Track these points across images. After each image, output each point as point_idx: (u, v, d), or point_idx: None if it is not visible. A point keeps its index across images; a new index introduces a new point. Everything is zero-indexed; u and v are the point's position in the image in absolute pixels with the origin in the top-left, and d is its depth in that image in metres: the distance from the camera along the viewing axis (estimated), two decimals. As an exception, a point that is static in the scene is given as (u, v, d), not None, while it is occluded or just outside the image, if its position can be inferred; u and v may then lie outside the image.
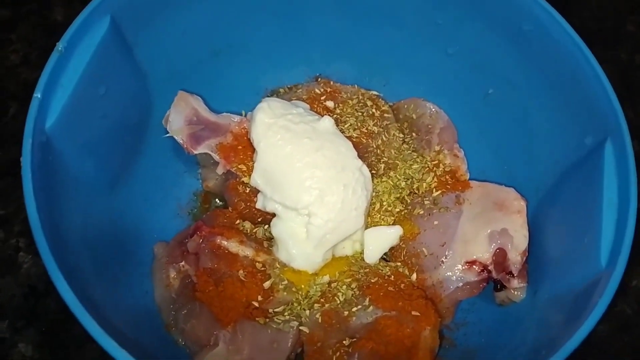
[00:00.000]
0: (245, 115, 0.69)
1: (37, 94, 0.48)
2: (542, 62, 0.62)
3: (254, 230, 0.65)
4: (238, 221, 0.65)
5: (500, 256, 0.61)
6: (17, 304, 0.67)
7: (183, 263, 0.61)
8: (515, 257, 0.61)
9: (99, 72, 0.54)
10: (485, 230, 0.63)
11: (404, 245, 0.65)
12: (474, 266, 0.62)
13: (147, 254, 0.64)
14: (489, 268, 0.61)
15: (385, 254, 0.66)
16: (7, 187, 0.73)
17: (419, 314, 0.58)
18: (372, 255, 0.65)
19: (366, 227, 0.66)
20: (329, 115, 0.69)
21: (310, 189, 0.61)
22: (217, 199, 0.72)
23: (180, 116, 0.64)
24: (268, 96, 0.74)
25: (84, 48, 0.52)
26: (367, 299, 0.58)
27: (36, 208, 0.44)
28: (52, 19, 0.85)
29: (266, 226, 0.65)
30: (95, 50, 0.53)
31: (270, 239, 0.65)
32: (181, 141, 0.64)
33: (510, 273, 0.61)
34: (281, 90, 0.76)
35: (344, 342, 0.58)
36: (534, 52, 0.62)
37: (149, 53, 0.62)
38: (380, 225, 0.67)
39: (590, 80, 0.57)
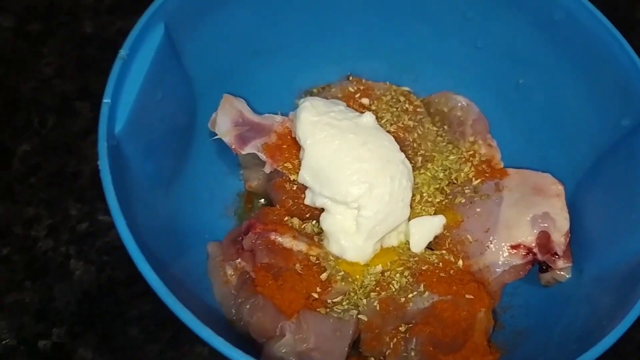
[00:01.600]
0: (285, 115, 0.71)
1: (107, 99, 0.50)
2: (574, 49, 0.64)
3: (303, 226, 0.67)
4: (286, 218, 0.67)
5: (544, 238, 0.64)
6: (72, 310, 0.68)
7: (239, 260, 0.63)
8: (559, 239, 0.64)
9: (157, 77, 0.56)
10: (527, 214, 0.65)
11: (447, 234, 0.67)
12: (519, 249, 0.64)
13: (201, 253, 0.65)
14: (534, 250, 0.64)
15: (429, 243, 0.68)
16: (53, 197, 0.74)
17: (472, 297, 0.60)
18: (418, 244, 0.67)
19: (409, 218, 0.68)
20: (365, 111, 0.71)
21: (359, 182, 0.63)
22: (259, 199, 0.74)
23: (227, 118, 0.66)
24: (302, 96, 0.77)
25: (144, 55, 0.54)
26: (422, 285, 0.61)
27: (120, 210, 0.46)
28: (82, 32, 0.86)
29: (314, 221, 0.67)
30: (154, 56, 0.55)
31: (319, 233, 0.67)
32: (229, 142, 0.66)
33: (555, 254, 0.63)
34: (314, 90, 0.78)
35: (400, 328, 0.61)
36: (565, 40, 0.65)
37: (194, 58, 0.64)
38: (422, 215, 0.69)
39: (624, 64, 0.59)
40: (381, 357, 0.62)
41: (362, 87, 0.76)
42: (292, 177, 0.66)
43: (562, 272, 0.63)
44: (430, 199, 0.70)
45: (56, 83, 0.82)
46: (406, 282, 0.61)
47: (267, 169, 0.67)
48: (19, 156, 0.77)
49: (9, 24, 0.86)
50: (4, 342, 0.66)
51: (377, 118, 0.71)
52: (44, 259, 0.71)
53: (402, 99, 0.76)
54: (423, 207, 0.70)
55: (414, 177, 0.69)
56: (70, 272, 0.70)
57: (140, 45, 0.54)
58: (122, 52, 0.52)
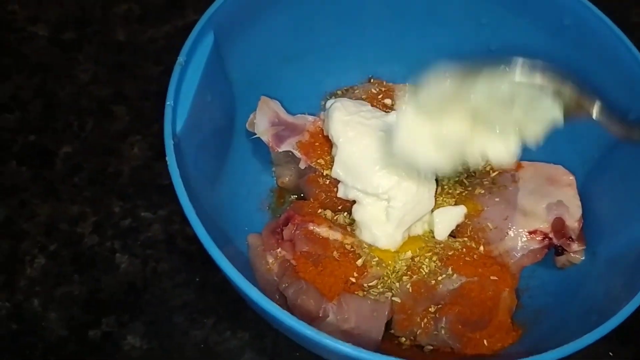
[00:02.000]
0: (312, 115, 0.76)
1: (170, 102, 0.55)
2: (583, 51, 0.70)
3: (335, 218, 0.72)
4: (320, 210, 0.72)
5: (559, 224, 0.70)
6: (119, 300, 0.72)
7: (279, 250, 0.67)
8: (572, 224, 0.69)
9: (208, 82, 0.61)
10: (543, 203, 0.71)
11: (469, 222, 0.73)
12: (536, 235, 0.70)
13: (242, 244, 0.70)
14: (550, 235, 0.69)
15: (452, 231, 0.74)
16: (96, 195, 0.78)
17: (497, 278, 0.65)
18: (442, 232, 0.72)
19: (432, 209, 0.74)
20: (388, 111, 0.77)
21: (389, 175, 0.68)
22: (290, 195, 0.79)
23: (264, 119, 0.71)
24: (327, 98, 0.82)
25: (197, 61, 0.59)
26: (450, 269, 0.66)
27: (189, 201, 0.51)
28: (115, 39, 0.91)
29: (345, 213, 0.73)
30: (205, 62, 0.60)
31: (350, 224, 0.72)
32: (267, 141, 0.71)
33: (570, 238, 0.69)
34: (339, 92, 0.83)
35: (430, 309, 0.66)
36: (574, 42, 0.71)
37: (235, 64, 0.69)
38: (444, 206, 0.74)
39: (630, 64, 0.65)
40: (412, 337, 0.67)
41: (383, 89, 0.81)
42: (325, 172, 0.72)
43: (576, 255, 0.69)
44: (450, 191, 0.76)
45: (92, 88, 0.87)
46: (435, 266, 0.67)
47: (302, 165, 0.72)
48: (61, 157, 0.81)
49: (44, 33, 0.90)
50: (56, 332, 0.70)
51: (399, 117, 0.77)
52: (90, 254, 0.75)
53: (421, 99, 0.81)
54: (444, 199, 0.75)
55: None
56: (115, 265, 0.74)
57: (195, 52, 0.59)
58: (181, 59, 0.57)
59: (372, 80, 0.83)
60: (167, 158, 0.53)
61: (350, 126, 0.70)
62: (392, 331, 0.67)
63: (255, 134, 0.71)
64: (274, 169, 0.78)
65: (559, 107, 0.60)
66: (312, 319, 0.62)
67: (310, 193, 0.73)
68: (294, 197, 0.78)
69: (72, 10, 0.92)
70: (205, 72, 0.60)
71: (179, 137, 0.56)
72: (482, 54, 0.79)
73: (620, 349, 0.72)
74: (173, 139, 0.54)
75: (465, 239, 0.72)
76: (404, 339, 0.67)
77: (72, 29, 0.91)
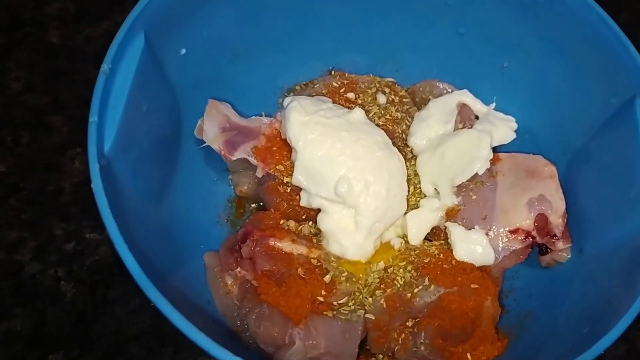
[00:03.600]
0: (268, 116, 0.70)
1: (94, 118, 0.48)
2: (558, 30, 0.64)
3: (300, 228, 0.66)
4: (282, 221, 0.65)
5: (542, 221, 0.64)
6: (68, 333, 0.66)
7: (239, 269, 0.61)
8: (556, 220, 0.64)
9: (141, 89, 0.54)
10: (523, 198, 0.65)
11: (445, 224, 0.67)
12: (518, 234, 0.64)
13: (198, 264, 0.64)
14: (533, 234, 0.64)
15: (427, 234, 0.68)
16: (35, 217, 0.71)
17: (478, 286, 0.60)
18: (416, 237, 0.66)
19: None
20: (351, 106, 0.70)
21: (355, 180, 0.62)
22: (250, 204, 0.72)
23: (214, 124, 0.64)
24: (285, 95, 0.75)
25: (126, 67, 0.52)
26: (426, 279, 0.60)
27: (119, 232, 0.44)
28: (48, 42, 0.83)
29: (310, 222, 0.66)
30: (136, 68, 0.52)
31: (316, 234, 0.66)
32: (218, 149, 0.64)
33: (554, 236, 0.63)
34: (297, 87, 0.76)
35: (407, 323, 0.60)
36: (548, 21, 0.65)
37: (176, 65, 0.62)
38: (417, 207, 0.68)
39: (610, 42, 0.60)
40: (390, 354, 0.61)
41: (345, 82, 0.74)
42: (286, 180, 0.65)
43: (562, 253, 0.64)
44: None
45: (26, 98, 0.79)
46: (410, 277, 0.61)
47: (259, 173, 0.66)
48: (-5, 177, 0.73)
49: (-31, 39, 0.82)
50: (-3, 374, 0.63)
51: (365, 112, 0.71)
52: (33, 283, 0.68)
53: (387, 90, 0.75)
54: (417, 199, 0.69)
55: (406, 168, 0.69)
56: (61, 294, 0.68)
57: (122, 57, 0.52)
58: (105, 66, 0.50)
59: (333, 73, 0.76)
60: (92, 185, 0.46)
61: (310, 127, 0.63)
62: (368, 347, 0.61)
63: (205, 142, 0.64)
64: (230, 177, 0.71)
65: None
66: (278, 347, 0.56)
67: (271, 203, 0.67)
68: (255, 206, 0.72)
69: (0, 12, 0.84)
70: (137, 79, 0.53)
71: (108, 157, 0.49)
72: (449, 38, 0.73)
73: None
74: (100, 161, 0.47)
75: (442, 241, 0.67)
76: (381, 356, 0.62)
77: (1, 32, 0.82)
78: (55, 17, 0.84)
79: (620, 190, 0.58)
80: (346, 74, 0.76)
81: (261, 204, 0.71)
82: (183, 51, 0.62)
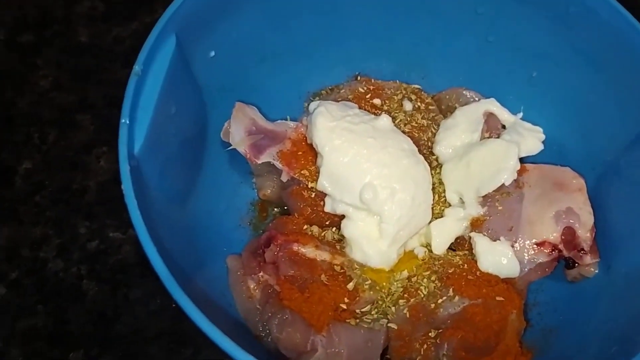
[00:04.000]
0: (294, 120, 0.69)
1: (125, 120, 0.48)
2: (590, 41, 0.63)
3: (323, 234, 0.65)
4: (306, 226, 0.65)
5: (569, 234, 0.63)
6: (88, 332, 0.66)
7: (261, 274, 0.61)
8: (584, 234, 0.63)
9: (171, 91, 0.53)
10: (551, 210, 0.64)
11: (470, 234, 0.66)
12: (544, 247, 0.63)
13: (221, 267, 0.63)
14: (559, 247, 0.63)
15: (451, 244, 0.67)
16: (60, 215, 0.72)
17: (503, 299, 0.59)
18: (440, 246, 0.66)
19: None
20: (378, 112, 0.70)
21: (381, 187, 0.61)
22: (273, 208, 0.72)
23: (240, 127, 0.64)
24: (311, 99, 0.75)
25: (157, 68, 0.52)
26: (451, 290, 0.59)
27: (148, 233, 0.44)
28: (77, 41, 0.83)
29: (334, 229, 0.66)
30: (167, 69, 0.52)
31: (339, 241, 0.66)
32: (244, 152, 0.64)
33: (582, 250, 0.62)
34: (323, 92, 0.76)
35: (430, 334, 0.60)
36: (580, 32, 0.64)
37: (204, 68, 0.62)
38: (442, 216, 0.68)
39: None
40: (411, 364, 0.61)
41: (372, 87, 0.74)
42: (310, 185, 0.65)
43: (589, 268, 0.63)
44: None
45: (54, 96, 0.79)
46: (434, 287, 0.60)
47: (284, 177, 0.65)
48: (20, 174, 0.74)
49: (-1, 37, 0.83)
50: (18, 370, 0.64)
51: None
52: (55, 281, 0.68)
53: (413, 97, 0.74)
54: (442, 208, 0.68)
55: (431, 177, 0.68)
56: (83, 292, 0.68)
57: (154, 58, 0.52)
58: (137, 68, 0.50)
59: (359, 78, 0.76)
60: (122, 186, 0.46)
61: (336, 133, 0.63)
62: (389, 358, 0.61)
63: (231, 145, 0.64)
64: (254, 180, 0.71)
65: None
66: (299, 354, 0.56)
67: (295, 207, 0.66)
68: (278, 210, 0.72)
69: (30, 11, 0.84)
70: (167, 81, 0.53)
71: (137, 158, 0.49)
72: (478, 46, 0.72)
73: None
74: (130, 162, 0.47)
75: (467, 252, 0.66)
76: (402, 365, 0.61)
77: (31, 30, 0.83)
78: (85, 16, 0.85)
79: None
80: (372, 80, 0.75)
81: (284, 208, 0.70)
82: (212, 53, 0.63)
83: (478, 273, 0.62)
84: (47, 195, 0.73)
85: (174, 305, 0.67)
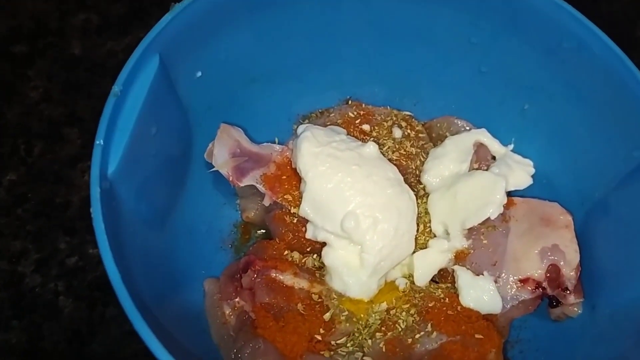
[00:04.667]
0: (282, 143, 0.69)
1: (99, 141, 0.47)
2: (583, 76, 0.63)
3: (303, 261, 0.64)
4: (286, 252, 0.64)
5: (554, 272, 0.62)
6: (62, 349, 0.65)
7: (238, 299, 0.60)
8: (569, 273, 0.61)
9: (152, 111, 0.53)
10: (536, 247, 0.63)
11: (453, 267, 0.65)
12: (528, 284, 0.62)
13: (198, 289, 0.63)
14: (543, 285, 0.62)
15: (434, 276, 0.66)
16: (41, 229, 0.71)
17: (482, 337, 0.58)
18: (422, 278, 0.64)
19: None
20: (366, 138, 0.69)
21: (363, 216, 0.60)
22: (256, 230, 0.71)
23: (224, 149, 0.63)
24: (300, 122, 0.74)
25: (138, 89, 0.51)
26: (429, 325, 0.58)
27: (114, 261, 0.43)
28: (70, 53, 0.83)
29: (315, 255, 0.65)
30: (148, 90, 0.52)
31: (320, 268, 0.64)
32: (227, 175, 0.63)
33: (566, 289, 0.61)
34: (313, 115, 0.75)
35: (407, 369, 0.58)
36: (573, 66, 0.63)
37: (190, 88, 0.61)
38: (426, 247, 0.66)
39: (636, 94, 0.57)
40: (386, 399, 0.59)
41: (362, 112, 0.73)
42: (293, 210, 0.64)
43: (573, 308, 0.61)
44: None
45: (43, 108, 0.79)
46: (413, 321, 0.59)
47: (267, 202, 0.65)
48: (4, 186, 0.73)
49: (-8, 46, 0.83)
50: (-11, 386, 0.63)
51: (378, 145, 0.69)
52: (32, 296, 0.67)
53: (403, 124, 0.73)
54: (427, 238, 0.67)
55: (417, 206, 0.67)
56: (59, 309, 0.67)
57: (135, 78, 0.51)
58: (116, 88, 0.49)
59: (350, 102, 0.75)
60: (91, 209, 0.45)
61: (321, 159, 0.62)
62: (364, 391, 0.59)
63: (215, 167, 0.63)
64: (238, 201, 0.70)
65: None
66: (271, 385, 0.54)
67: (276, 232, 0.65)
68: (261, 232, 0.71)
69: (25, 21, 0.84)
70: (148, 102, 0.52)
71: (110, 181, 0.48)
72: (471, 76, 0.72)
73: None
74: (101, 185, 0.46)
75: (449, 284, 0.64)
76: (377, 400, 0.60)
77: (24, 41, 0.83)
78: (79, 29, 0.84)
79: (638, 246, 0.55)
80: (363, 105, 0.74)
81: (268, 230, 0.69)
82: (199, 74, 0.62)
83: (459, 308, 0.61)
84: (29, 208, 0.72)
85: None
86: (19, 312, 0.66)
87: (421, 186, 0.70)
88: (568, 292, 0.61)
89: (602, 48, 0.59)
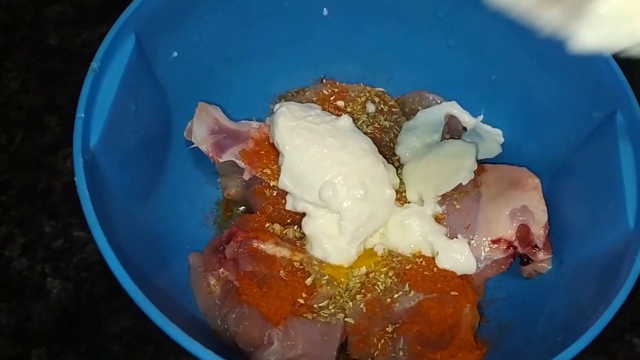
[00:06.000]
0: (259, 121, 0.71)
1: (81, 114, 0.49)
2: (545, 46, 0.65)
3: (284, 232, 0.66)
4: (267, 224, 0.66)
5: (524, 232, 0.65)
6: (51, 329, 0.66)
7: (222, 270, 0.62)
8: (538, 231, 0.64)
9: (130, 89, 0.55)
10: (506, 209, 0.66)
11: (428, 231, 0.67)
12: (500, 244, 0.65)
13: (182, 264, 0.64)
14: (514, 244, 0.65)
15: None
16: (25, 214, 0.72)
17: (457, 294, 0.60)
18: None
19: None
20: (341, 114, 0.71)
21: (340, 185, 0.62)
22: (238, 207, 0.73)
23: (203, 126, 0.65)
24: (277, 101, 0.76)
25: (116, 66, 0.53)
26: (407, 285, 0.61)
27: (99, 225, 0.45)
28: (47, 44, 0.84)
29: (295, 227, 0.67)
30: (125, 67, 0.53)
31: (301, 238, 0.67)
32: (206, 151, 0.65)
33: (535, 246, 0.64)
34: (288, 94, 0.77)
35: (387, 329, 0.61)
36: (534, 34, 0.65)
37: (167, 68, 0.63)
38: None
39: (593, 58, 0.60)
40: (369, 359, 0.62)
41: (336, 90, 0.76)
42: (272, 183, 0.66)
43: (542, 264, 0.64)
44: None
45: (22, 97, 0.80)
46: (391, 282, 0.62)
47: (246, 176, 0.67)
48: (-14, 174, 0.74)
49: (-31, 39, 0.83)
50: (-20, 367, 0.64)
51: (353, 120, 0.71)
52: (19, 279, 0.68)
53: (376, 99, 0.76)
54: (401, 205, 0.70)
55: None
56: (47, 290, 0.68)
57: (112, 56, 0.53)
58: (94, 64, 0.51)
59: (324, 81, 0.78)
60: (75, 178, 0.47)
61: (297, 132, 0.64)
62: (348, 353, 0.62)
63: (194, 144, 0.65)
64: (219, 179, 0.72)
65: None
66: (256, 347, 0.57)
67: (257, 206, 0.67)
68: (242, 209, 0.72)
69: (0, 14, 0.85)
70: (126, 79, 0.54)
71: (93, 153, 0.50)
72: (439, 50, 0.74)
73: (593, 358, 0.68)
74: (84, 156, 0.48)
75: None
76: (360, 361, 0.62)
77: (1, 33, 0.84)
78: (54, 20, 0.85)
79: (600, 202, 0.58)
80: (337, 83, 0.77)
81: (249, 207, 0.72)
82: (175, 54, 0.64)
83: (435, 269, 0.63)
84: (13, 194, 0.73)
85: (136, 304, 0.68)
86: (7, 294, 0.67)
87: (395, 158, 0.73)
88: (537, 249, 0.64)
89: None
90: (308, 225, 0.64)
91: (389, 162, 0.69)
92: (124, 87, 0.53)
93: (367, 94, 0.76)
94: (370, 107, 0.75)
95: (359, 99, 0.75)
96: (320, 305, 0.60)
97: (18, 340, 0.65)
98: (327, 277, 0.61)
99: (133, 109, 0.56)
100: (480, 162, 0.70)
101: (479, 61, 0.73)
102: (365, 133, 0.70)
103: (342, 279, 0.62)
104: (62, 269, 0.69)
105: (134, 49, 0.55)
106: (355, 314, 0.60)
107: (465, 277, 0.64)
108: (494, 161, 0.72)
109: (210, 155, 0.65)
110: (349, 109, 0.74)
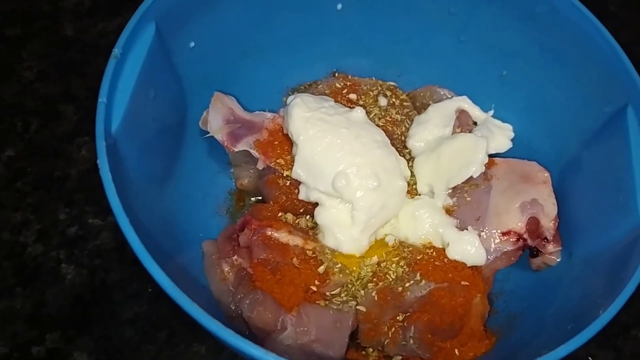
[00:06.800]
0: (277, 113, 0.72)
1: (103, 99, 0.50)
2: (556, 41, 0.66)
3: (297, 221, 0.67)
4: (280, 214, 0.67)
5: (534, 224, 0.65)
6: (65, 314, 0.67)
7: (235, 257, 0.63)
8: (547, 224, 0.65)
9: (149, 76, 0.56)
10: (516, 202, 0.67)
11: (439, 223, 0.68)
12: (510, 236, 0.65)
13: (196, 251, 0.65)
14: (524, 236, 0.65)
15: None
16: (41, 201, 0.73)
17: (468, 283, 0.61)
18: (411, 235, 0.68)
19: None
20: (353, 106, 0.72)
21: (353, 175, 0.63)
22: (250, 197, 0.74)
23: (218, 116, 0.66)
24: (290, 94, 0.77)
25: (136, 53, 0.54)
26: (418, 274, 0.62)
27: (122, 207, 0.46)
28: (62, 35, 0.85)
29: (308, 216, 0.68)
30: (146, 55, 0.54)
31: (313, 228, 0.68)
32: (221, 140, 0.66)
33: (545, 239, 0.65)
34: (302, 87, 0.78)
35: (398, 317, 0.61)
36: (547, 31, 0.67)
37: (184, 57, 0.64)
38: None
39: (606, 53, 0.61)
40: (380, 348, 0.62)
41: (348, 83, 0.77)
42: (285, 173, 0.67)
43: (552, 256, 0.65)
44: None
45: (38, 87, 0.81)
46: (402, 271, 0.62)
47: (260, 166, 0.67)
48: (3, 161, 0.75)
49: (-14, 29, 0.84)
50: (-4, 350, 0.65)
51: (365, 112, 0.72)
52: (34, 265, 0.69)
53: (388, 93, 0.77)
54: (412, 197, 0.70)
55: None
56: (61, 276, 0.69)
57: (133, 44, 0.54)
58: (116, 51, 0.52)
59: (336, 75, 0.79)
60: (98, 161, 0.48)
61: (311, 123, 0.65)
62: (359, 341, 0.63)
63: (209, 133, 0.66)
64: (232, 170, 0.73)
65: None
66: (270, 332, 0.58)
67: (270, 195, 0.68)
68: (254, 199, 0.73)
69: (18, 5, 0.86)
70: (146, 66, 0.55)
71: (114, 137, 0.51)
72: (451, 45, 0.75)
73: (599, 352, 0.69)
74: (106, 140, 0.49)
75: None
76: (371, 349, 0.63)
77: (18, 24, 0.85)
78: (71, 11, 0.87)
79: (610, 196, 0.59)
80: (349, 76, 0.78)
81: (261, 198, 0.72)
82: (192, 44, 0.65)
83: (445, 260, 0.64)
84: (28, 181, 0.74)
85: (150, 290, 0.69)
86: (22, 279, 0.68)
87: (407, 151, 0.73)
88: (547, 241, 0.65)
89: (573, 10, 0.63)
90: (320, 215, 0.65)
91: (400, 155, 0.70)
92: (144, 74, 0.54)
93: (379, 88, 0.77)
94: (382, 101, 0.75)
95: (371, 92, 0.76)
96: (333, 293, 0.61)
97: (33, 324, 0.66)
98: (339, 265, 0.62)
99: (152, 96, 0.57)
100: (491, 157, 0.71)
101: (490, 56, 0.74)
102: (377, 125, 0.71)
103: (354, 268, 0.63)
104: (77, 255, 0.70)
105: (154, 36, 0.56)
106: (367, 302, 0.61)
107: (475, 268, 0.65)
108: (504, 155, 0.72)
109: (225, 144, 0.66)
110: (361, 102, 0.75)
